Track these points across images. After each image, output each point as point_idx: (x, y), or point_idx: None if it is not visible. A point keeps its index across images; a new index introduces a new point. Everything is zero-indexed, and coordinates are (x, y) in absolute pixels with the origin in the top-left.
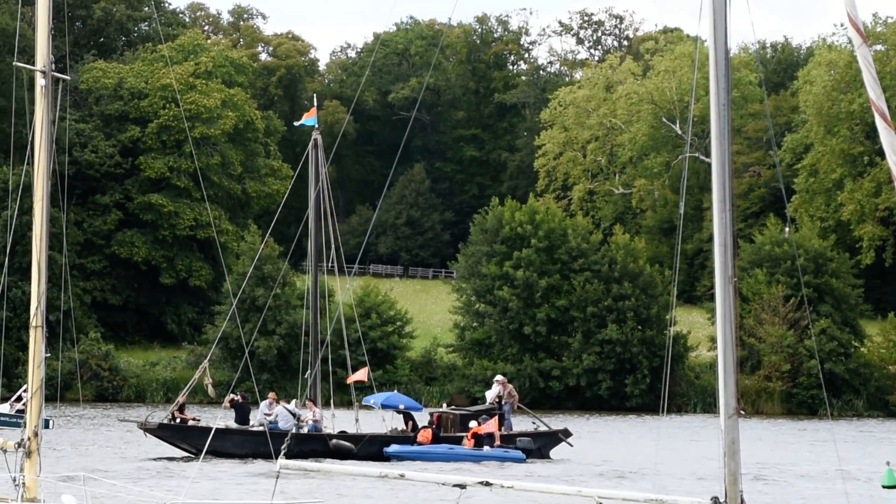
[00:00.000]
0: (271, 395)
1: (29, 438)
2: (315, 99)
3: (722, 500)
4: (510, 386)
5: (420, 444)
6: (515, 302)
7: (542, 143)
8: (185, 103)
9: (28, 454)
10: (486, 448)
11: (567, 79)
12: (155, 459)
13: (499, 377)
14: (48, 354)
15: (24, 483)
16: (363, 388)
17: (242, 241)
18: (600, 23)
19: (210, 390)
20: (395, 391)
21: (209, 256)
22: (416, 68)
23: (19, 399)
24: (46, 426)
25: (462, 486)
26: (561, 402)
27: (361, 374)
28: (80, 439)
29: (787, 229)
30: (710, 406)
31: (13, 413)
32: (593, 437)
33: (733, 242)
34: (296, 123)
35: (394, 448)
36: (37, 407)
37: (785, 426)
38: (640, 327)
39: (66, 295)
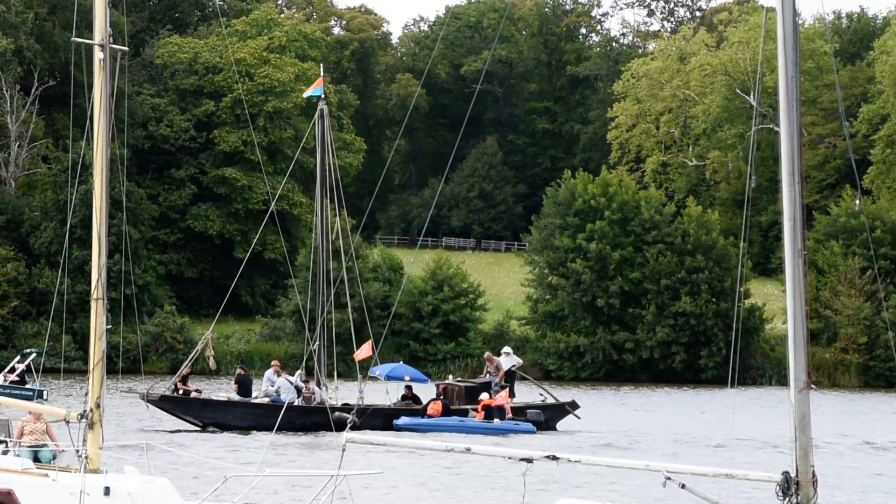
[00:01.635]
0: (275, 363)
1: (91, 410)
2: (322, 69)
3: (793, 475)
4: (497, 360)
5: (430, 416)
6: (588, 274)
7: (615, 116)
8: (258, 77)
9: (90, 426)
10: (497, 420)
11: (640, 50)
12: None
13: (505, 349)
14: (109, 326)
15: (86, 455)
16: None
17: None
18: None
19: (211, 362)
20: (401, 362)
21: (283, 229)
22: (488, 41)
23: (13, 370)
24: (40, 397)
25: (528, 461)
26: (634, 374)
27: (366, 350)
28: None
29: (857, 202)
30: (784, 378)
31: (6, 385)
32: (662, 409)
33: (803, 216)
34: (304, 94)
35: (404, 420)
36: (98, 379)
37: (861, 399)
38: (714, 300)
39: (126, 268)
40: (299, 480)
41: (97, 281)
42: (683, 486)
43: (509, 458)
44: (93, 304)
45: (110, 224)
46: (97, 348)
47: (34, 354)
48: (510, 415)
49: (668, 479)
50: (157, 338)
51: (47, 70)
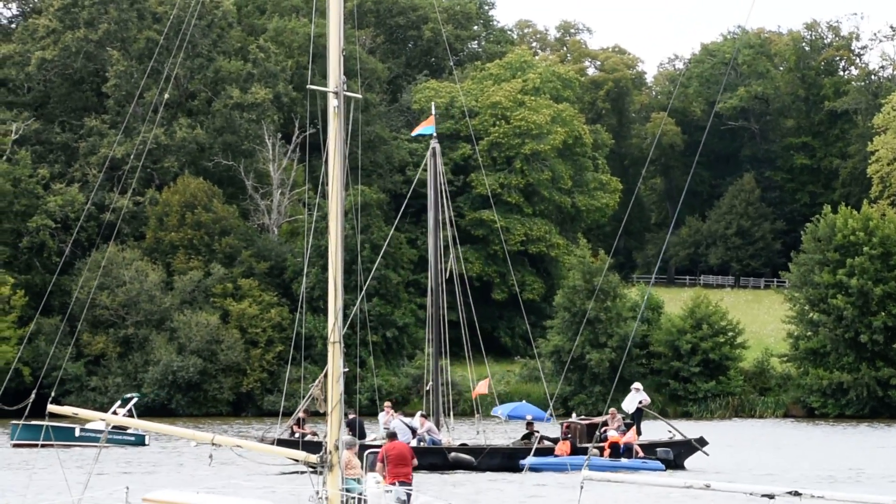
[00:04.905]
0: (387, 404)
1: (330, 452)
2: (433, 108)
3: None
4: (619, 419)
5: (557, 455)
6: (850, 310)
7: (875, 149)
8: (514, 120)
9: (329, 468)
10: (624, 459)
11: None
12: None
13: (635, 385)
14: (346, 370)
15: (326, 497)
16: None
17: (572, 254)
18: None
19: (321, 405)
20: (524, 401)
21: (541, 270)
22: (743, 77)
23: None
24: (142, 443)
25: (770, 496)
26: None
27: (483, 387)
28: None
29: None
30: None
31: (109, 430)
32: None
33: None
34: (413, 133)
35: (531, 459)
36: (336, 421)
37: None
38: None
39: (356, 312)
40: None
41: (333, 325)
42: None
43: (750, 493)
44: (330, 348)
45: (370, 269)
46: (334, 391)
47: (135, 399)
48: (641, 453)
49: None
50: (418, 380)
51: (307, 118)
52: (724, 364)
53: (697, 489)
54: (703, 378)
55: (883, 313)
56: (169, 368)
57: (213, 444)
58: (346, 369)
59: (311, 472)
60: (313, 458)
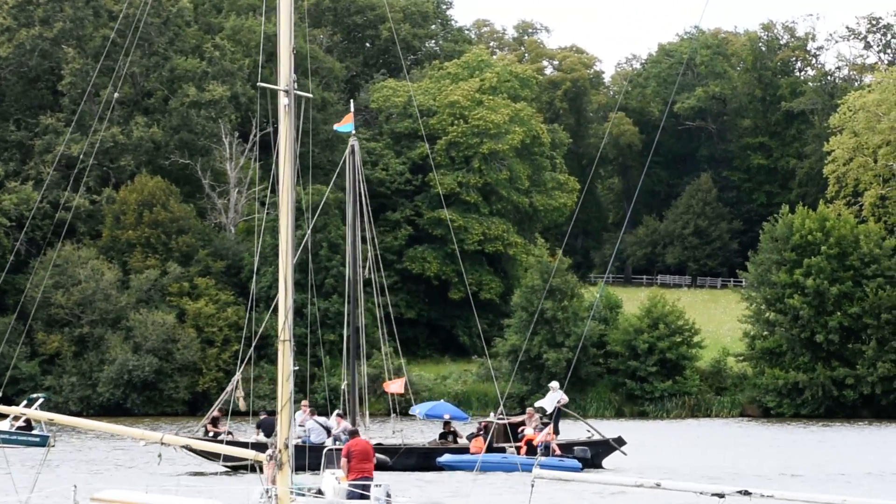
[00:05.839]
0: (304, 404)
1: (280, 450)
2: (352, 106)
3: None
4: (536, 418)
5: (473, 453)
6: (806, 310)
7: (832, 150)
8: (472, 119)
9: (279, 466)
10: (541, 458)
11: (856, 83)
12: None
13: (552, 383)
14: (296, 367)
15: (276, 494)
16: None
17: (530, 254)
18: (889, 26)
19: (241, 403)
20: (442, 400)
21: (499, 269)
22: (701, 77)
23: (17, 418)
24: (44, 445)
25: (720, 496)
26: (856, 410)
27: (398, 385)
28: (95, 458)
29: None
30: None
31: (13, 431)
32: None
33: None
34: (335, 127)
35: (447, 458)
36: (286, 419)
37: None
38: None
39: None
40: None
41: (283, 323)
42: None
43: (700, 493)
44: (280, 346)
45: (329, 267)
46: (284, 389)
47: (41, 400)
48: (557, 451)
49: None
50: (375, 380)
51: (264, 116)
52: (681, 364)
53: (648, 488)
54: (659, 378)
55: (839, 313)
56: (124, 368)
57: (163, 443)
58: (297, 367)
59: (231, 472)
60: (262, 456)
